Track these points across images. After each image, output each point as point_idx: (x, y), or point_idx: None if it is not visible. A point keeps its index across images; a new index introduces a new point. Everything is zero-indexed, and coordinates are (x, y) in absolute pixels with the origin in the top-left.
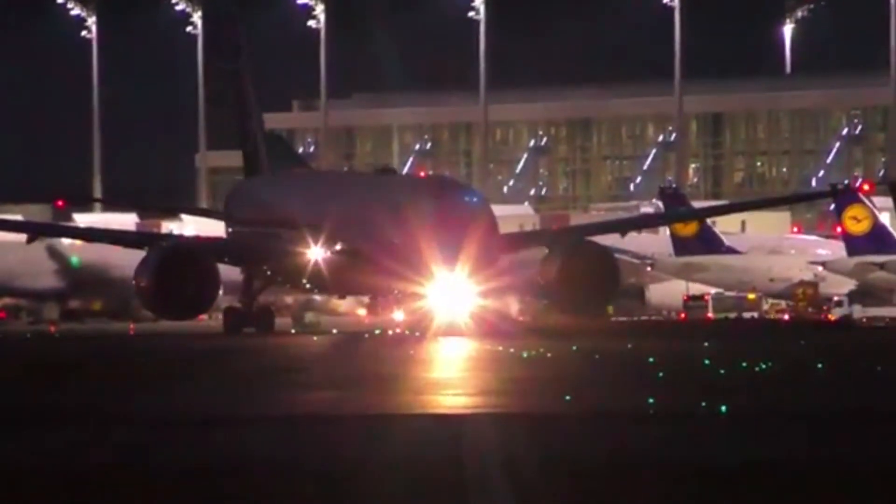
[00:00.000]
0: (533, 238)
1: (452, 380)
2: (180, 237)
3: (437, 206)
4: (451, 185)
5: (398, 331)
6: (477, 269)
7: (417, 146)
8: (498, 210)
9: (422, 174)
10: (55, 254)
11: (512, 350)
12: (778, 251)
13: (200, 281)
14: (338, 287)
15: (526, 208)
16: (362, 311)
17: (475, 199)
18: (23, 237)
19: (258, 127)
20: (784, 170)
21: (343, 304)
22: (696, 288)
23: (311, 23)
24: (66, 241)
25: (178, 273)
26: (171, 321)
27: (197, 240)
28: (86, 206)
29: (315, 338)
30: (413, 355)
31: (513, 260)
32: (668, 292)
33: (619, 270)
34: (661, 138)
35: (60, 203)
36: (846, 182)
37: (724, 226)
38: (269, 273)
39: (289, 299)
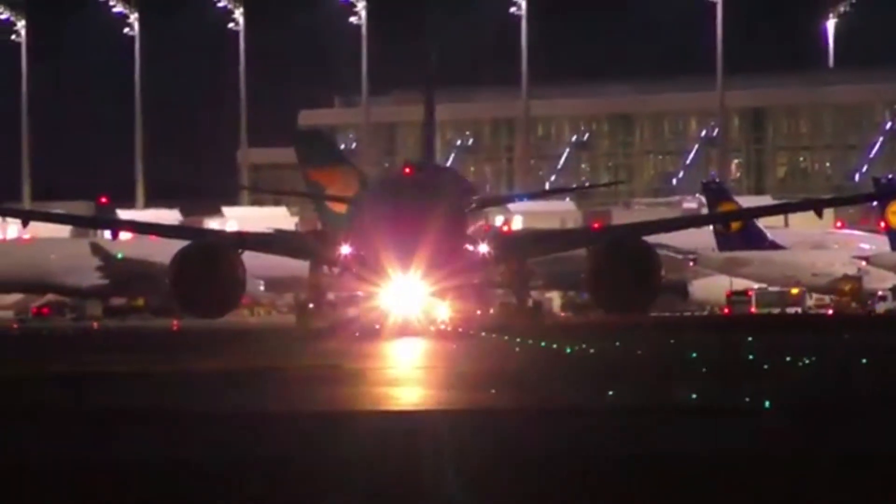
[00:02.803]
0: (566, 238)
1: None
2: (219, 233)
3: (395, 204)
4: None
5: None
6: (434, 269)
7: (459, 142)
8: (540, 206)
9: (406, 169)
10: (99, 251)
11: (555, 346)
12: (821, 246)
13: (222, 279)
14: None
15: (568, 204)
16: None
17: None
18: (66, 235)
19: None
20: (827, 164)
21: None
22: (740, 283)
23: (353, 19)
24: (109, 238)
25: (199, 271)
26: (197, 318)
27: (239, 235)
28: (129, 201)
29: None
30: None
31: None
32: (711, 287)
33: (659, 268)
34: (703, 133)
35: (104, 199)
36: (889, 177)
37: (767, 221)
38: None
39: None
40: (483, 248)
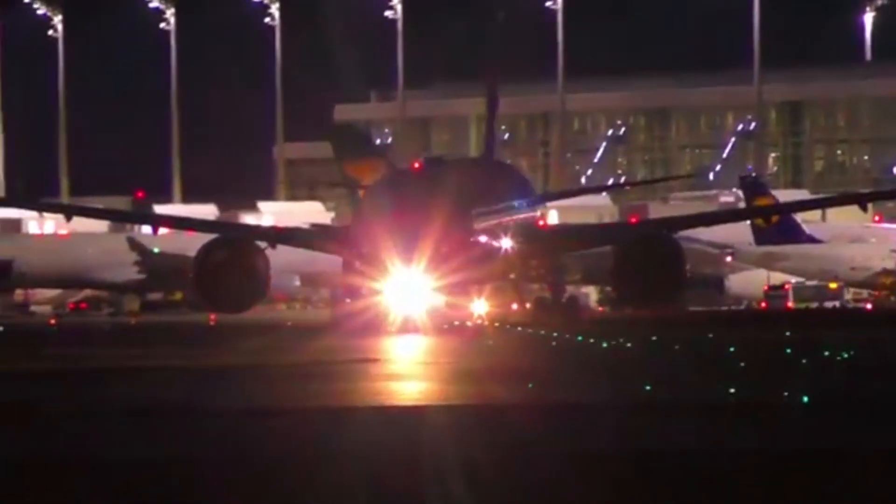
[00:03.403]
0: (597, 233)
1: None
2: (254, 227)
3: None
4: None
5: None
6: (435, 265)
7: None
8: (576, 200)
9: (416, 164)
10: (136, 246)
11: (592, 340)
12: (859, 240)
13: (242, 274)
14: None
15: (604, 199)
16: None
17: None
18: (103, 230)
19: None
20: (864, 158)
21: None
22: (777, 277)
23: (389, 13)
24: (146, 233)
25: (219, 266)
26: (220, 313)
27: (276, 230)
28: (166, 197)
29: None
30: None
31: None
32: (748, 282)
33: (683, 263)
34: (740, 127)
35: (140, 194)
36: None
37: (804, 214)
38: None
39: None
40: (506, 244)
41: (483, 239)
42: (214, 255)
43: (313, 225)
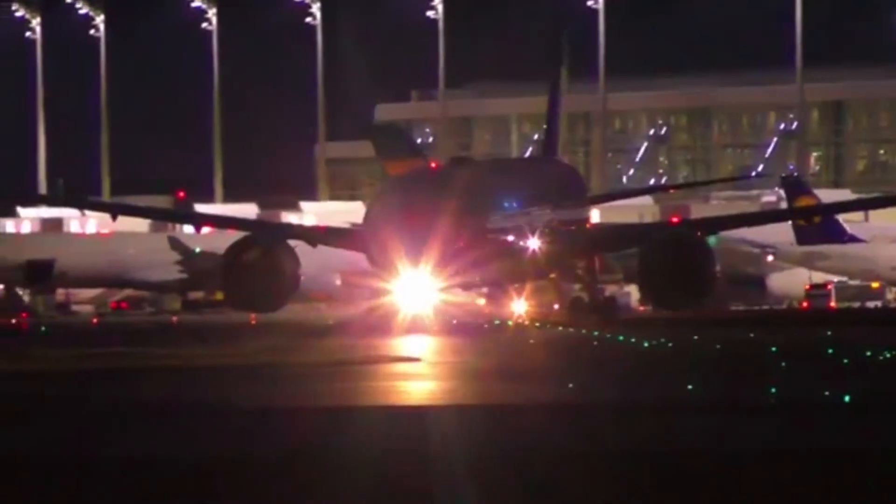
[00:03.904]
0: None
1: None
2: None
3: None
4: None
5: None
6: (444, 263)
7: (536, 136)
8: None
9: (433, 164)
10: (177, 245)
11: (633, 340)
12: None
13: (267, 273)
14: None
15: (646, 198)
16: (481, 301)
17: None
18: (145, 229)
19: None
20: None
21: (462, 294)
22: (819, 277)
23: (430, 13)
24: (187, 232)
25: (246, 266)
26: (247, 313)
27: (317, 230)
28: (207, 196)
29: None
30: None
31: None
32: (790, 281)
33: (709, 264)
34: (782, 126)
35: (182, 194)
36: None
37: (846, 214)
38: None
39: None
40: (533, 244)
41: (506, 238)
42: (241, 254)
43: (354, 224)
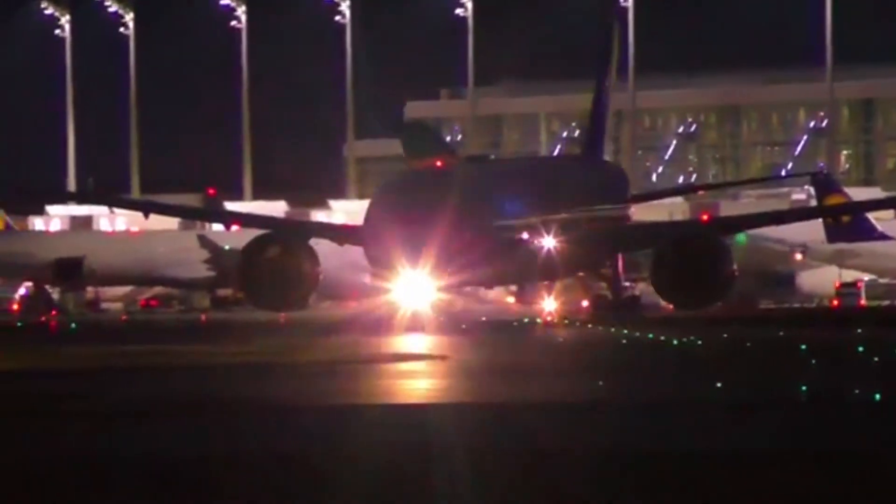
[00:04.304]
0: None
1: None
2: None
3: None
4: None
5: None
6: (444, 262)
7: (565, 133)
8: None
9: (438, 163)
10: (207, 243)
11: (663, 338)
12: None
13: (284, 271)
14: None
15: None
16: (510, 299)
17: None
18: (174, 227)
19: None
20: None
21: (491, 293)
22: (849, 275)
23: (459, 11)
24: (217, 230)
25: (261, 264)
26: (267, 311)
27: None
28: (236, 194)
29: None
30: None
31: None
32: (820, 279)
33: (723, 264)
34: (812, 124)
35: (211, 191)
36: None
37: (877, 212)
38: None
39: None
40: (549, 242)
41: (511, 237)
42: (258, 253)
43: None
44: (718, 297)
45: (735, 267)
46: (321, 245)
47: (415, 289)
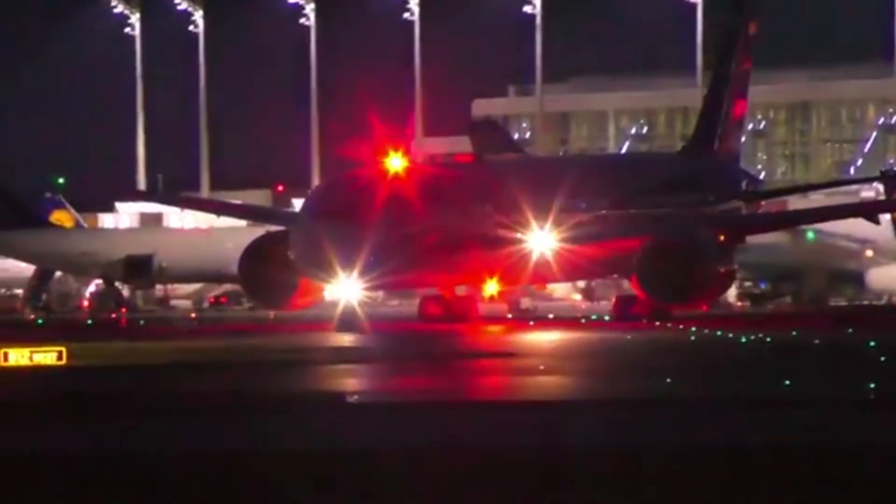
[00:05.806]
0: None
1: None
2: None
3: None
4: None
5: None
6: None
7: (633, 130)
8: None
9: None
10: None
11: (731, 335)
12: None
13: (283, 270)
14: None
15: None
16: (577, 296)
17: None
18: (242, 224)
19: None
20: None
21: (558, 290)
22: None
23: (527, 8)
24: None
25: (259, 262)
26: (265, 308)
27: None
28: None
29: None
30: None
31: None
32: (889, 276)
33: (706, 262)
34: (881, 121)
35: (280, 188)
36: None
37: None
38: None
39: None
40: (547, 241)
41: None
42: (257, 250)
43: None
44: (697, 296)
45: (726, 268)
46: None
47: (346, 289)
